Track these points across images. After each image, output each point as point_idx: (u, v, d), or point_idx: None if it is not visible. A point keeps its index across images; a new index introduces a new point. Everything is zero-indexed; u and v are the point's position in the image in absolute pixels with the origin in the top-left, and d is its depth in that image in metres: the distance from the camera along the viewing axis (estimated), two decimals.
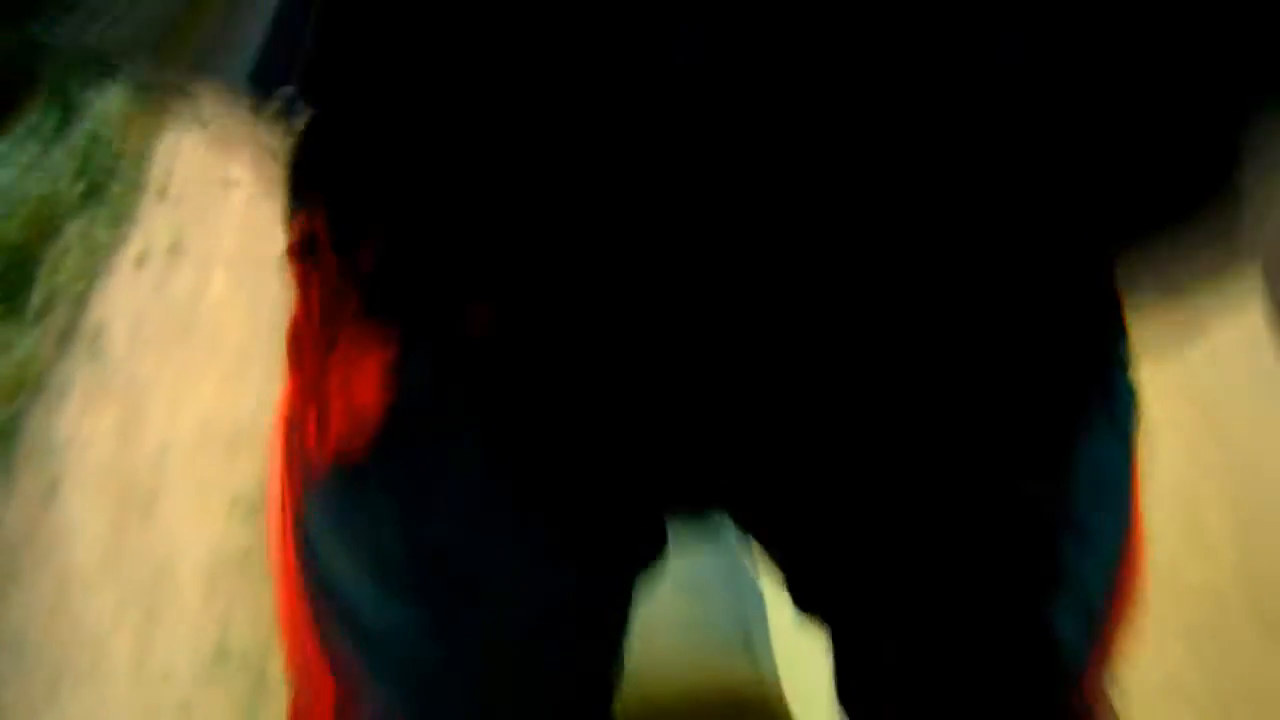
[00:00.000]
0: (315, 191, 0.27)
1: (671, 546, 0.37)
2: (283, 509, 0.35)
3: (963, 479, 0.28)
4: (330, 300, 0.27)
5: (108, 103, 3.19)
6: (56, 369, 2.47)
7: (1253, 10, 0.20)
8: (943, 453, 0.27)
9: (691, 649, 0.81)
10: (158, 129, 3.37)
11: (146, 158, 3.06)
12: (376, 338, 0.26)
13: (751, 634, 0.82)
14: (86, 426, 2.23)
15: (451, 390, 0.27)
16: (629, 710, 0.59)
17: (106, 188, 2.93)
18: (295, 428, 0.31)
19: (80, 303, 2.63)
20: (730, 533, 0.44)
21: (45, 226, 2.94)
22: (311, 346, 0.29)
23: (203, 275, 2.62)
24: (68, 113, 2.80)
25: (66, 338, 2.55)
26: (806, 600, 0.36)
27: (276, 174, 0.26)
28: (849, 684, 0.37)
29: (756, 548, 0.37)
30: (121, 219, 2.92)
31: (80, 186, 3.02)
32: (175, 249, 2.76)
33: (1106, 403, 0.29)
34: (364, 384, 0.27)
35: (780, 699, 0.78)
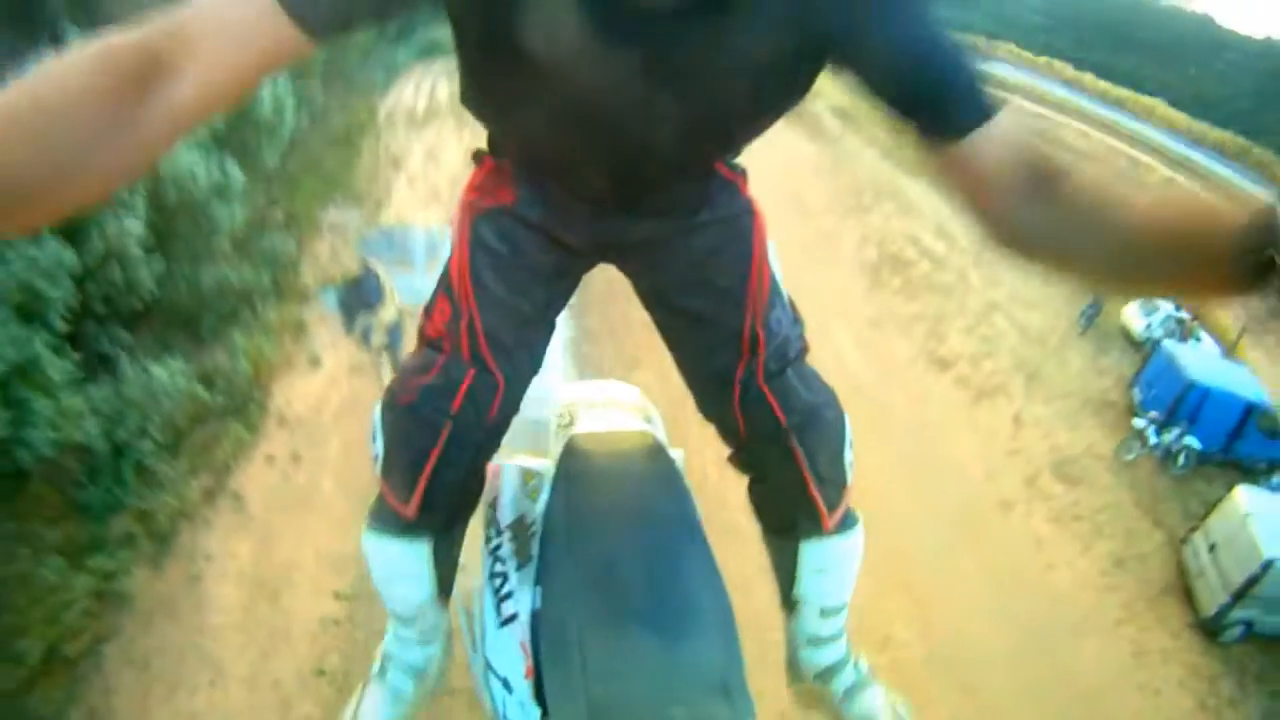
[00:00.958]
0: (487, 147, 1.13)
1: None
2: (461, 234, 1.14)
3: (681, 247, 1.16)
4: (489, 174, 1.12)
5: (247, 342, 7.59)
6: (201, 512, 6.53)
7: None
8: (677, 236, 1.14)
9: (676, 689, 0.98)
10: (285, 366, 7.92)
11: (270, 388, 7.30)
12: (506, 184, 1.09)
13: (729, 683, 1.00)
14: (228, 548, 6.26)
15: (529, 200, 1.09)
16: None
17: (243, 409, 7.17)
18: (475, 199, 1.15)
19: (223, 473, 6.80)
20: (720, 593, 1.11)
21: (195, 421, 6.98)
22: (480, 184, 1.15)
23: (314, 478, 7.02)
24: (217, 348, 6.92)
25: (211, 495, 6.63)
26: (645, 304, 1.27)
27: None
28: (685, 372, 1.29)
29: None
30: (254, 429, 7.22)
31: (223, 398, 7.28)
32: (294, 457, 7.15)
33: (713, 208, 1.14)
34: (503, 193, 1.09)
35: None
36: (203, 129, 8.37)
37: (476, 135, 1.29)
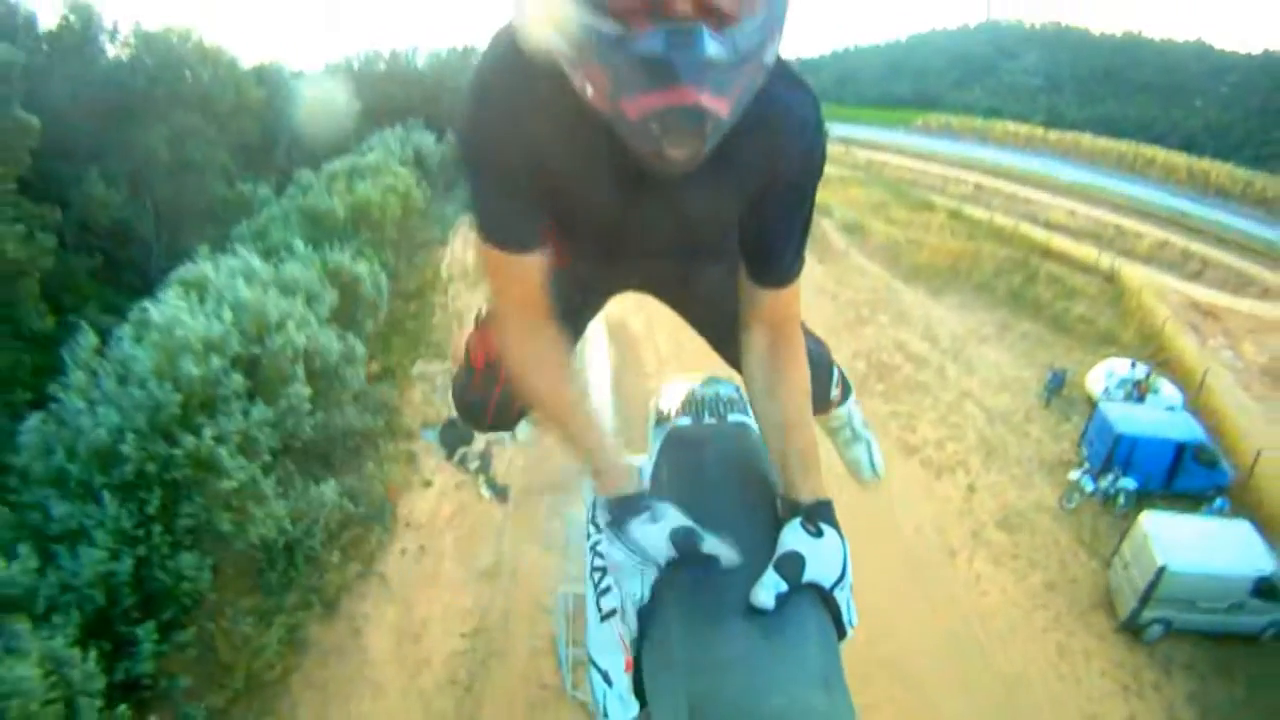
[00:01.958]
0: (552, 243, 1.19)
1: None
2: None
3: (702, 293, 1.56)
4: (554, 251, 1.17)
5: (380, 466, 11.30)
6: (357, 587, 10.08)
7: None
8: (698, 290, 1.55)
9: (775, 682, 0.96)
10: (405, 487, 11.71)
11: (397, 502, 10.91)
12: (563, 256, 1.21)
13: (828, 675, 1.00)
14: (378, 611, 9.73)
15: (576, 265, 1.31)
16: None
17: (380, 517, 10.87)
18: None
19: (370, 561, 10.45)
20: (817, 602, 1.08)
21: (344, 525, 10.55)
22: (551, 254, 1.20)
23: (437, 562, 10.65)
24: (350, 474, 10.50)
25: (363, 575, 10.21)
26: (684, 314, 1.72)
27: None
28: (712, 339, 1.69)
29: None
30: (389, 530, 10.93)
31: (364, 509, 11.02)
32: (421, 549, 10.81)
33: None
34: (561, 259, 1.20)
35: None
36: (328, 313, 12.06)
37: None
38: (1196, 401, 15.62)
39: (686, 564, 1.11)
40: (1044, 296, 20.79)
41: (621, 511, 1.15)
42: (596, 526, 1.32)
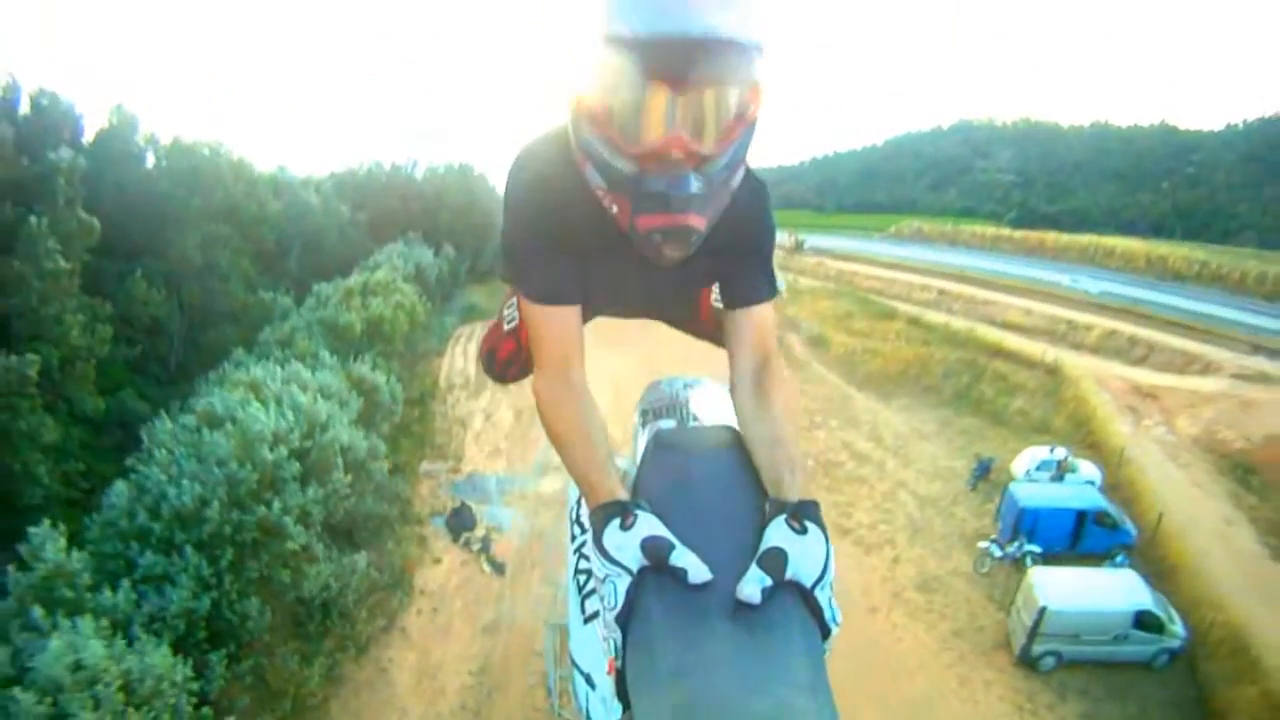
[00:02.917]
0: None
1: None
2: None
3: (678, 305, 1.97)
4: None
5: (398, 545, 14.22)
6: (382, 638, 12.90)
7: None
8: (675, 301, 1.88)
9: (759, 684, 1.00)
10: (419, 562, 14.67)
11: (413, 574, 13.79)
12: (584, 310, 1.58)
13: (812, 678, 1.05)
14: (401, 655, 12.50)
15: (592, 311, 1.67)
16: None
17: (399, 585, 13.76)
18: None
19: (393, 618, 13.31)
20: (800, 604, 1.12)
21: (370, 590, 13.34)
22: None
23: (448, 620, 13.57)
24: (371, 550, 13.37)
25: (387, 629, 13.06)
26: (668, 321, 2.24)
27: None
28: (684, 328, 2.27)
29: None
30: (407, 595, 13.83)
31: (387, 578, 13.95)
32: (434, 610, 13.71)
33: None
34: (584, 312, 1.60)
35: None
36: (354, 416, 14.84)
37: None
38: (1117, 475, 18.37)
39: (665, 568, 1.14)
40: (987, 394, 23.74)
41: (599, 520, 1.22)
42: (581, 527, 1.44)
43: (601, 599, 1.19)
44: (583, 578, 1.39)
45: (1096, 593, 12.97)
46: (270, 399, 12.35)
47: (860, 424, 21.70)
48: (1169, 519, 16.15)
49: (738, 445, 1.49)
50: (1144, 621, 12.57)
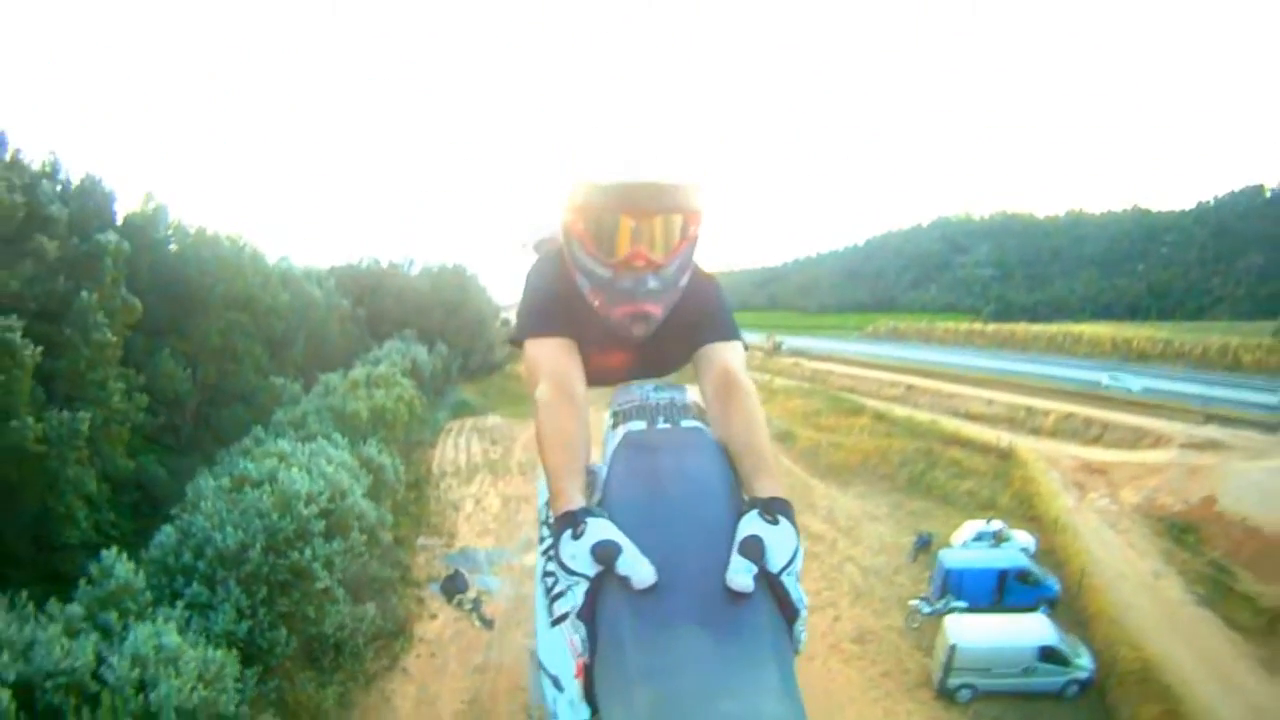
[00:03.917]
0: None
1: None
2: None
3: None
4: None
5: (400, 601, 16.82)
6: (386, 674, 15.62)
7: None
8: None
9: (727, 687, 1.04)
10: (417, 617, 17.24)
11: (414, 626, 16.22)
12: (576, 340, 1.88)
13: (780, 680, 1.09)
14: (403, 688, 15.25)
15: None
16: None
17: (402, 632, 16.43)
18: None
19: (396, 658, 16.07)
20: (772, 606, 1.22)
21: (376, 636, 16.03)
22: None
23: (444, 662, 16.32)
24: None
25: (390, 668, 15.76)
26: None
27: None
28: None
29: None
30: (409, 642, 16.58)
31: (391, 626, 16.39)
32: (431, 655, 16.39)
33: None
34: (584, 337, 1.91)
35: None
36: (365, 490, 17.53)
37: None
38: (1052, 542, 21.06)
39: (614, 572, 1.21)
40: (939, 479, 26.60)
41: (556, 532, 1.31)
42: (549, 529, 1.45)
43: (569, 602, 1.24)
44: (550, 579, 1.34)
45: (1003, 632, 15.54)
46: (300, 467, 15.10)
47: (817, 509, 24.43)
48: (1099, 576, 18.78)
49: (706, 446, 1.60)
50: (1049, 656, 15.09)
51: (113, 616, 10.90)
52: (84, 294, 18.80)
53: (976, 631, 15.36)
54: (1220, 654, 16.05)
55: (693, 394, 1.99)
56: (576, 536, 1.26)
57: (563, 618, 1.25)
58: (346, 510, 15.03)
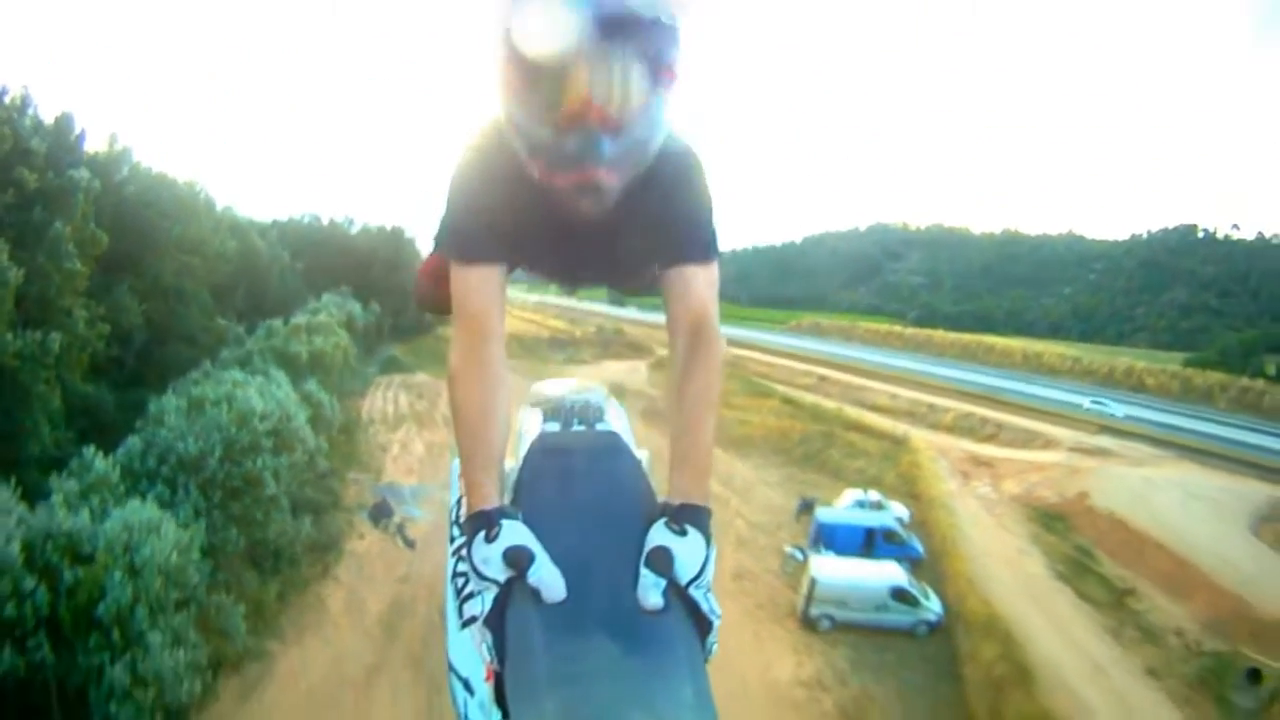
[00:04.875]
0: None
1: None
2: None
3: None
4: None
5: (333, 524, 19.21)
6: (319, 581, 18.09)
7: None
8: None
9: (639, 695, 1.05)
10: (347, 537, 19.75)
11: (343, 545, 18.46)
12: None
13: (693, 689, 1.08)
14: (333, 593, 17.69)
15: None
16: None
17: (334, 547, 18.92)
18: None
19: (330, 566, 18.37)
20: (684, 597, 1.23)
21: (314, 548, 18.38)
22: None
23: (371, 573, 18.93)
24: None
25: (322, 575, 17.96)
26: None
27: None
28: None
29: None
30: (340, 555, 19.01)
31: (324, 540, 18.95)
32: (360, 567, 18.95)
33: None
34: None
35: None
36: (308, 416, 19.60)
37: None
38: (928, 518, 24.32)
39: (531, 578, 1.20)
40: (834, 457, 29.86)
41: (469, 531, 1.28)
42: (460, 529, 1.44)
43: (479, 604, 1.23)
44: (460, 580, 1.34)
45: (860, 572, 18.74)
46: (256, 389, 17.18)
47: (716, 473, 27.09)
48: (966, 547, 21.68)
49: (620, 451, 1.64)
50: (900, 596, 18.19)
51: (95, 501, 12.92)
52: (57, 224, 20.26)
53: (836, 569, 18.49)
54: (1067, 619, 18.97)
55: (606, 394, 2.06)
56: (490, 540, 1.26)
57: (472, 620, 1.26)
58: (292, 432, 17.17)
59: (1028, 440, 33.22)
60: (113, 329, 23.84)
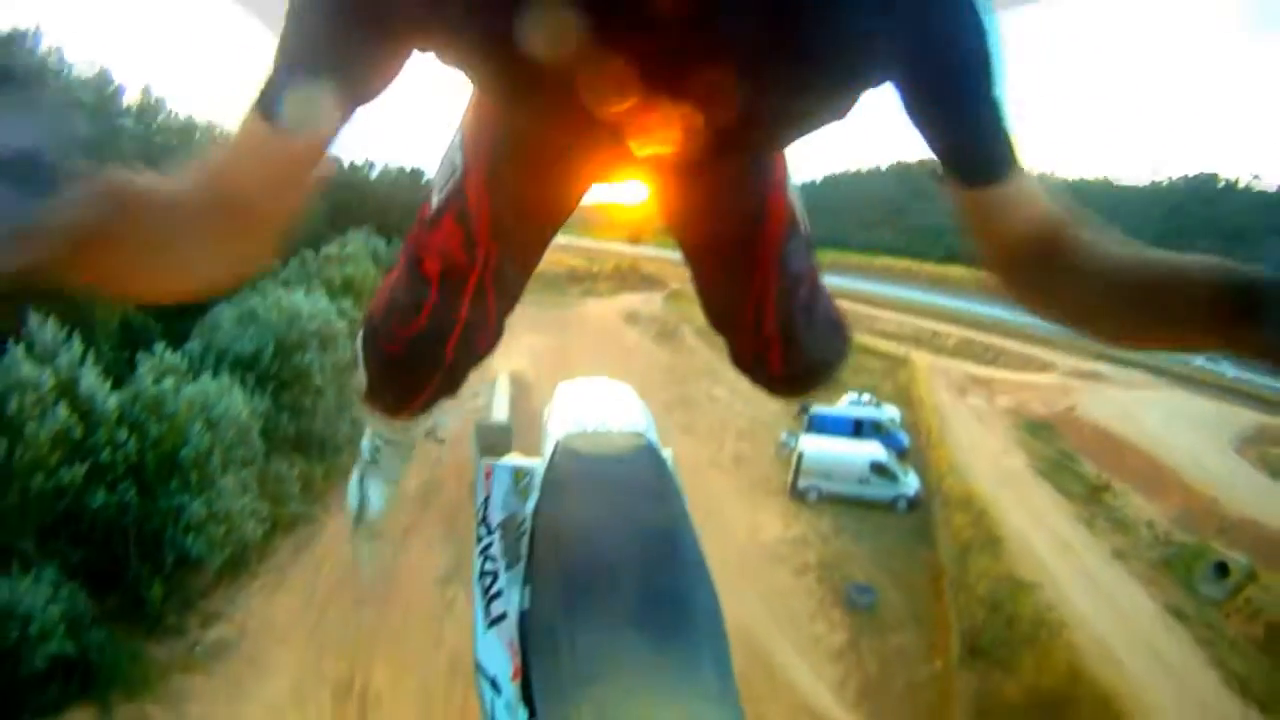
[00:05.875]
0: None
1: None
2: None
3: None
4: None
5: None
6: (307, 515, 20.34)
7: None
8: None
9: (666, 692, 1.06)
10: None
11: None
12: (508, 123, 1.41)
13: (720, 686, 1.10)
14: (327, 527, 19.82)
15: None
16: None
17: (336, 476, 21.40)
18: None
19: (315, 507, 20.79)
20: (711, 595, 1.23)
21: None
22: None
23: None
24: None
25: (309, 512, 20.39)
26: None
27: None
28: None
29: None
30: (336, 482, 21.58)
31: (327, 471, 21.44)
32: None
33: None
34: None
35: None
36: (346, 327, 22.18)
37: None
38: (919, 420, 26.75)
39: (576, 570, 1.21)
40: None
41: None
42: (487, 528, 1.49)
43: (507, 602, 1.26)
44: (488, 579, 1.39)
45: (843, 448, 21.31)
46: (300, 298, 19.68)
47: (722, 381, 29.52)
48: (952, 445, 23.85)
49: (647, 450, 1.61)
50: (880, 470, 20.66)
51: (169, 381, 15.45)
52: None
53: (821, 445, 21.18)
54: (1040, 505, 20.82)
55: (632, 393, 1.94)
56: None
57: (500, 618, 1.29)
58: (334, 334, 19.62)
59: (1024, 363, 35.21)
60: None
